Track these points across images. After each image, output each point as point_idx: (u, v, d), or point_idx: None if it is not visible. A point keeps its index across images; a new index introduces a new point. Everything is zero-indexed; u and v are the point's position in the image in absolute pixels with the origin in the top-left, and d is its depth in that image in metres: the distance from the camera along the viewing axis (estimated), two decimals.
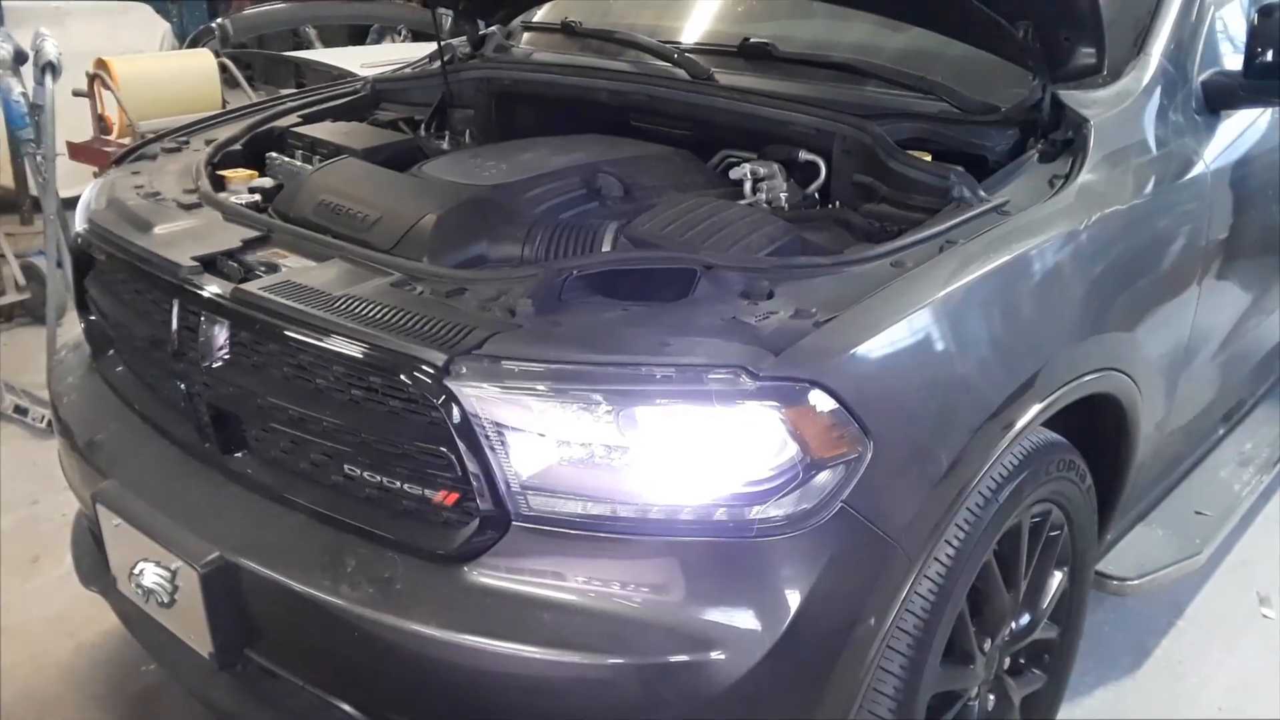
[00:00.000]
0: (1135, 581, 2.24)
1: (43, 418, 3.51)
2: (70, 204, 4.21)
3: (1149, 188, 1.98)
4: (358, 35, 7.25)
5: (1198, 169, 2.10)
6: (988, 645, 1.82)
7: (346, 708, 1.59)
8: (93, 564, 2.10)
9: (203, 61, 4.96)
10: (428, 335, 1.46)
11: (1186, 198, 2.08)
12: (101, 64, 4.57)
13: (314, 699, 1.63)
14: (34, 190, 4.45)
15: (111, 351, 2.08)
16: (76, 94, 4.57)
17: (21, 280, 4.43)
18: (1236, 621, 2.62)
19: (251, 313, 1.61)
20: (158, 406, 1.89)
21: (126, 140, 4.57)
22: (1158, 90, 2.06)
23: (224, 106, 4.57)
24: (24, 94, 3.67)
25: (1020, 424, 1.65)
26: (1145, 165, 2.00)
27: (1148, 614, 2.62)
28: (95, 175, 4.77)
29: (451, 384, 1.42)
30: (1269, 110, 2.34)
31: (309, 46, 6.72)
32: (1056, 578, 1.99)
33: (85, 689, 2.38)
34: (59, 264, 3.85)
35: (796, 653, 1.42)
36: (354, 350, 1.50)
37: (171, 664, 1.88)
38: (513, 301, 1.51)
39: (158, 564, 1.68)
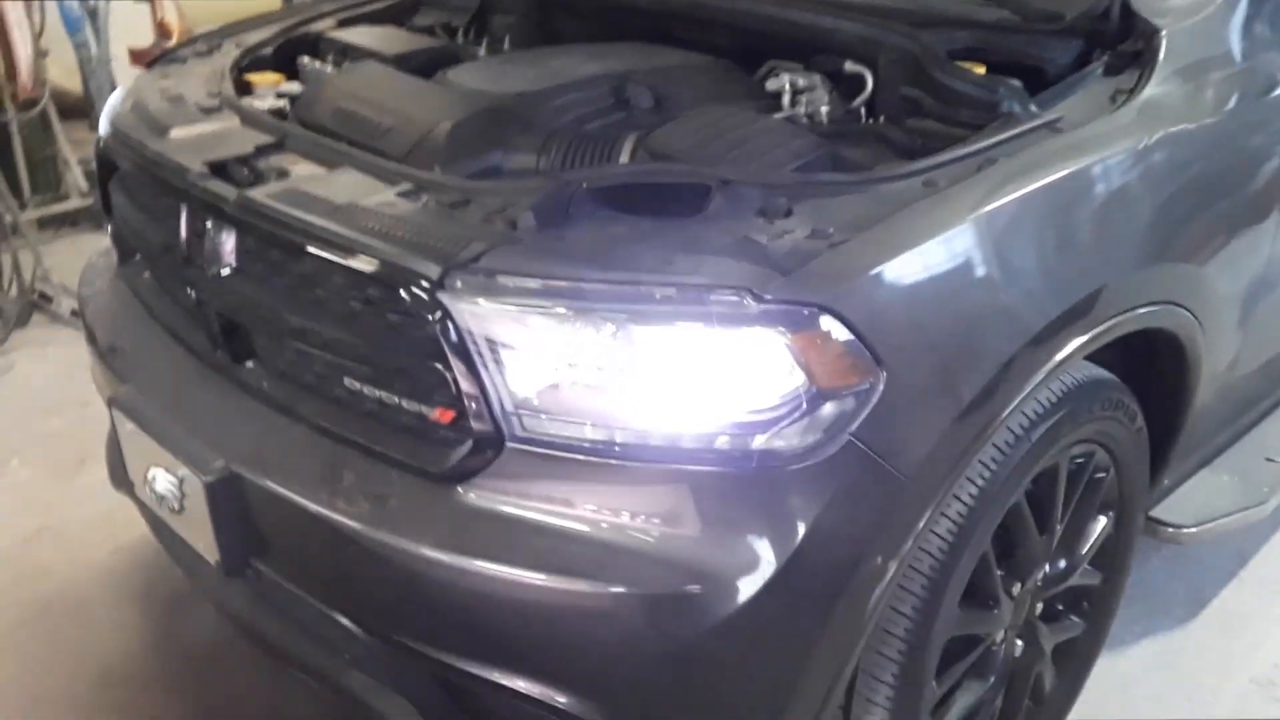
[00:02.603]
0: (1192, 530, 2.11)
1: None
2: None
3: (1226, 105, 1.82)
4: None
5: None
6: (1017, 589, 1.73)
7: (344, 621, 1.57)
8: (118, 469, 2.12)
9: None
10: (425, 247, 1.40)
11: (1269, 117, 1.90)
12: None
13: (310, 611, 1.62)
14: (92, 94, 4.49)
15: (137, 257, 2.06)
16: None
17: (84, 186, 4.48)
18: None
19: (254, 220, 1.57)
20: (175, 314, 1.87)
21: None
22: None
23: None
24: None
25: (1057, 358, 1.53)
26: (1224, 80, 1.82)
27: (1209, 563, 2.48)
28: None
29: (446, 298, 1.36)
30: None
31: None
32: (1100, 522, 1.88)
33: (121, 589, 2.43)
34: None
35: (796, 587, 1.35)
36: (352, 261, 1.45)
37: (188, 568, 1.89)
38: (516, 214, 1.44)
39: (167, 470, 1.67)
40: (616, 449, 1.38)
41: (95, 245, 4.13)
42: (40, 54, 4.16)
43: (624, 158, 1.68)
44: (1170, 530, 2.11)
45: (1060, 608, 1.92)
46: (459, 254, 1.38)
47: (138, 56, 4.56)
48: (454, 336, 1.37)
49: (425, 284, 1.37)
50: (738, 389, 1.33)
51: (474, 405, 1.40)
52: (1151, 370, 1.87)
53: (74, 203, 4.47)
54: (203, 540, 1.67)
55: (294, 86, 2.14)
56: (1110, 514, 1.89)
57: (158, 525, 1.94)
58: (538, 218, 1.42)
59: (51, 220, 4.32)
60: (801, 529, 1.34)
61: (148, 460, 1.72)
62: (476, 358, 1.37)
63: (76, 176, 4.47)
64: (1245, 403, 2.30)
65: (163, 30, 4.63)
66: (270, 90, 2.12)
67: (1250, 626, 2.33)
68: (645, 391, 1.35)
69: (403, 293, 1.40)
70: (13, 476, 2.84)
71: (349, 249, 1.45)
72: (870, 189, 1.46)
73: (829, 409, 1.33)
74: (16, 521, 2.64)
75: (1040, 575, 1.78)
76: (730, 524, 1.35)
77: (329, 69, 2.24)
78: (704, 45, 2.18)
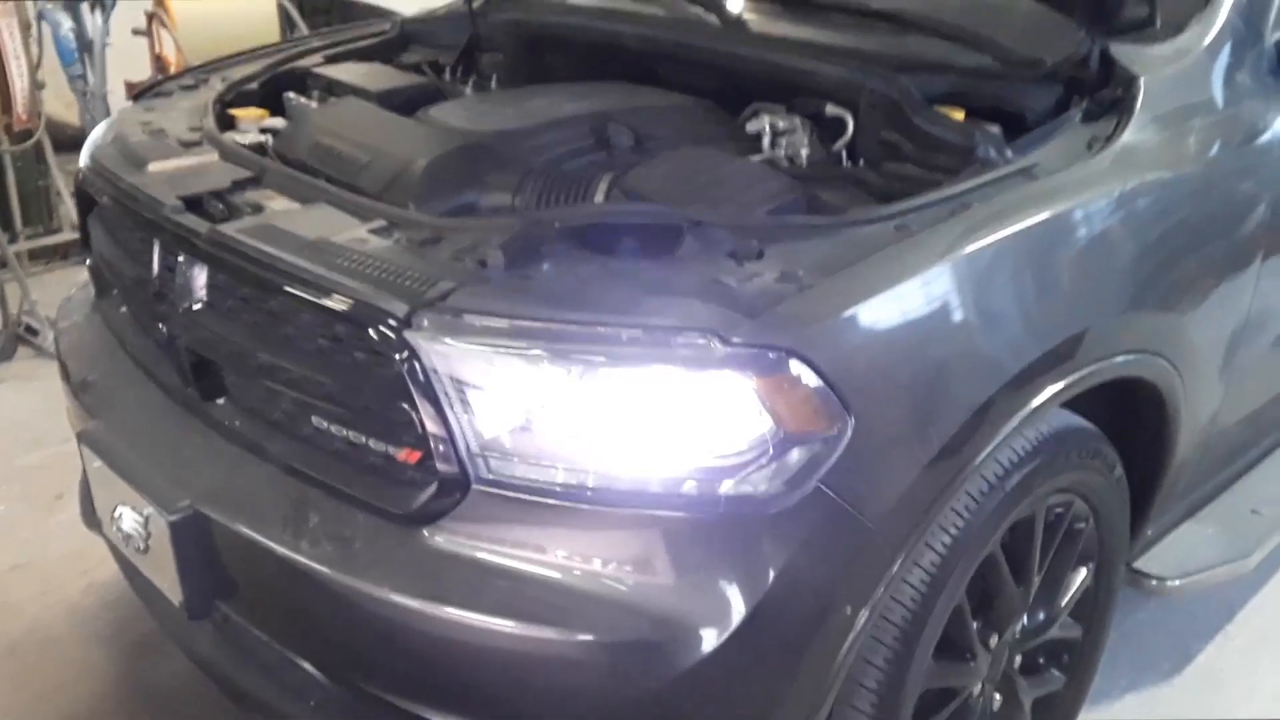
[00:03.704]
0: (1176, 582, 2.07)
1: None
2: None
3: (1206, 153, 1.81)
4: None
5: (1266, 136, 1.91)
6: (994, 641, 1.70)
7: (307, 666, 1.54)
8: (90, 505, 2.10)
9: (260, 3, 4.94)
10: (393, 285, 1.39)
11: (1250, 166, 1.89)
12: (159, 3, 4.58)
13: (273, 656, 1.59)
14: (86, 126, 4.50)
15: (115, 292, 2.05)
16: (136, 33, 4.58)
17: (76, 219, 4.47)
18: None
19: (224, 255, 1.55)
20: (147, 349, 1.86)
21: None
22: (1224, 48, 1.87)
23: None
24: (74, 29, 3.67)
25: (1031, 405, 1.51)
26: (1204, 129, 1.82)
27: (1195, 617, 2.44)
28: None
29: (412, 336, 1.35)
30: None
31: None
32: (1080, 574, 1.85)
33: (90, 628, 2.39)
34: None
35: (763, 637, 1.33)
36: (320, 298, 1.44)
37: (154, 608, 1.86)
38: (485, 253, 1.43)
39: (133, 508, 1.64)
40: (584, 493, 1.36)
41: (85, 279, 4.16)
42: (37, 85, 4.18)
43: (599, 197, 1.67)
44: (1154, 582, 2.08)
45: (1040, 660, 1.88)
46: (426, 292, 1.36)
47: (134, 90, 4.59)
48: (420, 376, 1.35)
49: (392, 322, 1.36)
50: (705, 433, 1.31)
51: (440, 446, 1.38)
52: (1131, 420, 1.85)
53: (66, 235, 4.45)
54: (167, 581, 1.64)
55: (278, 122, 2.14)
56: (1090, 565, 1.86)
57: (126, 564, 1.91)
58: (507, 256, 1.40)
59: (43, 252, 4.32)
60: (769, 576, 1.31)
61: (115, 498, 1.69)
62: (443, 398, 1.35)
63: (69, 209, 4.47)
64: (1229, 454, 2.27)
65: (161, 64, 4.65)
66: (253, 125, 2.11)
67: (1237, 681, 2.29)
68: (612, 434, 1.33)
69: (370, 331, 1.38)
70: None
71: (317, 286, 1.44)
72: (842, 232, 1.44)
73: (796, 455, 1.31)
74: None
75: (1018, 627, 1.75)
76: (697, 571, 1.32)
77: (312, 104, 2.24)
78: (688, 86, 2.18)
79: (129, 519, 1.67)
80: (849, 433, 1.32)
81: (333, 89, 2.29)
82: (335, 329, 1.45)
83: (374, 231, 1.54)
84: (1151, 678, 2.27)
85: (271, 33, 4.92)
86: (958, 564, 1.49)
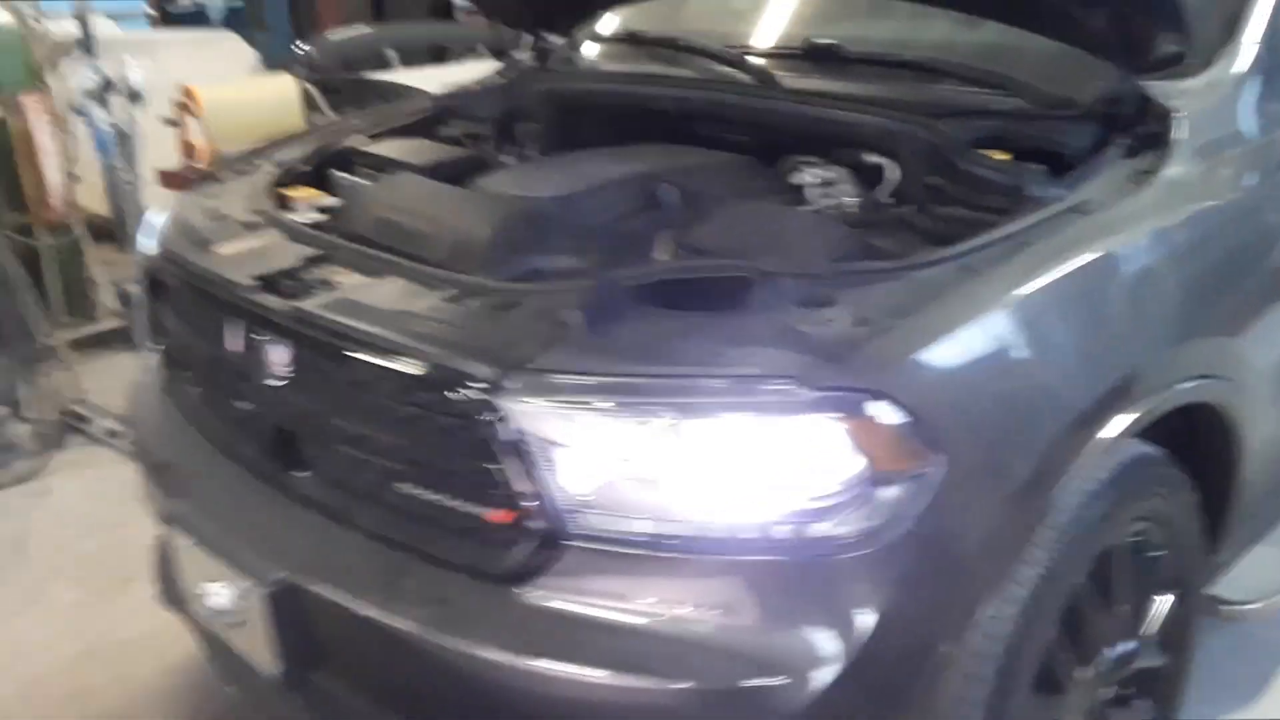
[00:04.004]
0: (1253, 605, 2.08)
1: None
2: None
3: (1246, 181, 1.86)
4: (438, 55, 7.33)
5: None
6: (1084, 674, 1.71)
7: None
8: (170, 585, 2.13)
9: (285, 86, 5.06)
10: (478, 349, 1.43)
11: None
12: (187, 91, 4.70)
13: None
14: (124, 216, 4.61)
15: (181, 376, 2.10)
16: (167, 122, 4.70)
17: (116, 307, 4.56)
18: None
19: (306, 330, 1.60)
20: (224, 428, 1.90)
21: (210, 167, 4.70)
22: (1255, 78, 1.93)
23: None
24: (113, 123, 3.77)
25: (1107, 435, 1.54)
26: (1241, 158, 1.87)
27: (1270, 641, 2.44)
28: None
29: (502, 399, 1.39)
30: None
31: (386, 68, 6.82)
32: (1161, 601, 1.86)
33: (168, 709, 2.41)
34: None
35: (868, 678, 1.34)
36: (404, 366, 1.48)
37: (243, 684, 1.88)
38: (564, 314, 1.47)
39: (226, 584, 1.68)
40: (676, 542, 1.39)
41: (127, 366, 4.22)
42: (72, 179, 4.29)
43: (662, 255, 1.72)
44: (1230, 608, 2.08)
45: (1129, 692, 1.88)
46: (512, 355, 1.41)
47: (167, 178, 4.70)
48: (510, 437, 1.39)
49: (480, 386, 1.40)
50: (796, 477, 1.34)
51: (531, 505, 1.41)
52: (1196, 446, 1.87)
53: (106, 324, 4.55)
54: (262, 653, 1.66)
55: (330, 200, 2.20)
56: (1170, 592, 1.87)
57: (210, 642, 1.94)
58: (586, 317, 1.45)
59: (83, 342, 4.39)
60: (869, 617, 1.34)
61: (203, 574, 1.73)
62: (533, 457, 1.39)
63: (108, 298, 4.56)
64: None
65: (189, 151, 4.77)
66: (308, 204, 2.17)
67: None
68: (703, 484, 1.36)
69: (457, 395, 1.42)
70: (56, 599, 2.83)
71: (401, 354, 1.49)
72: (908, 276, 1.49)
73: (889, 493, 1.34)
74: (61, 644, 2.63)
75: (1106, 658, 1.76)
76: (798, 614, 1.35)
77: (362, 182, 2.30)
78: (725, 143, 2.24)
79: (220, 595, 1.70)
80: (941, 468, 1.35)
81: (380, 166, 2.35)
82: (421, 396, 1.49)
83: (448, 300, 1.58)
84: (1234, 704, 2.27)
85: (294, 115, 5.03)
86: (1048, 596, 1.51)
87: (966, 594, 1.41)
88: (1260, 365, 1.89)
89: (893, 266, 1.51)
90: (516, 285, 1.62)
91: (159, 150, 4.52)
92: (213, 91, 4.71)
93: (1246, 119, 1.91)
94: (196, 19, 8.49)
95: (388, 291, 1.65)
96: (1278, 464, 2.06)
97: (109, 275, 4.71)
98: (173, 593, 2.12)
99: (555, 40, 2.82)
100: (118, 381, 4.10)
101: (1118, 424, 1.56)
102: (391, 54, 6.50)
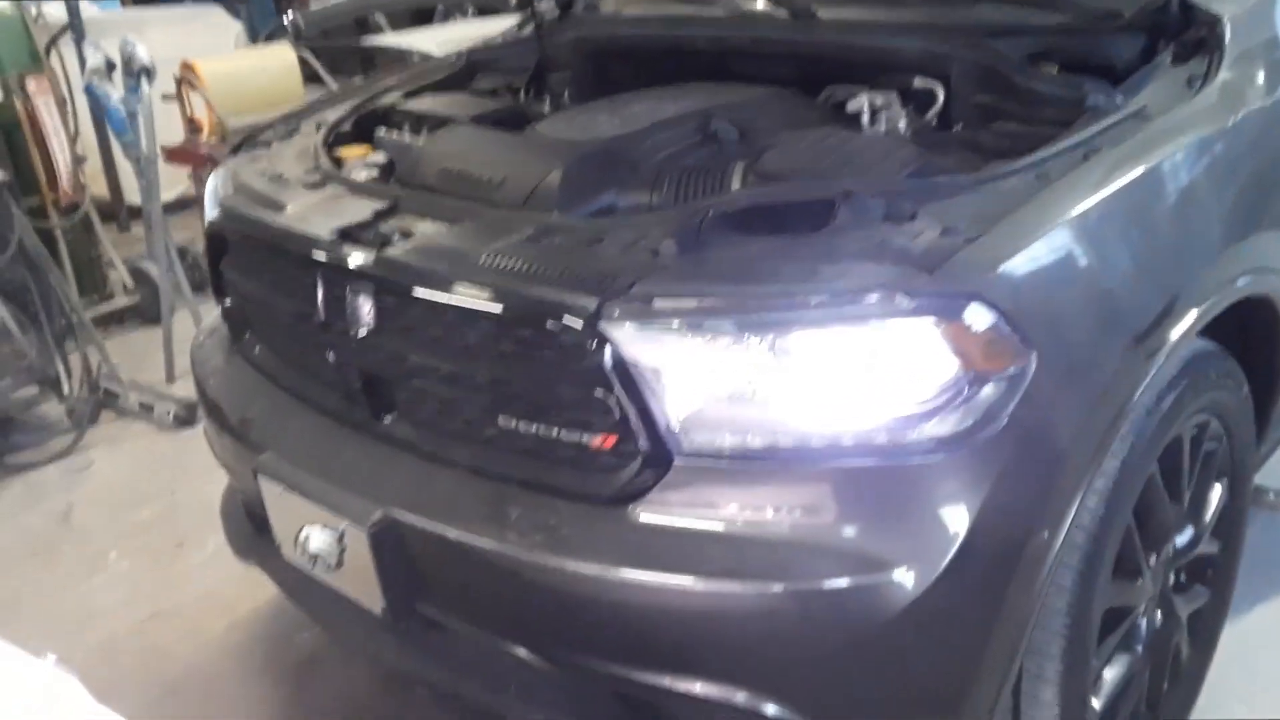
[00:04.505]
0: None
1: (169, 412, 3.62)
2: (169, 207, 4.36)
3: None
4: (421, 18, 7.29)
5: None
6: (1153, 560, 1.79)
7: (520, 651, 1.62)
8: (248, 538, 2.18)
9: (283, 56, 5.04)
10: (576, 282, 1.48)
11: None
12: (187, 66, 4.67)
13: (484, 647, 1.66)
14: (131, 197, 4.60)
15: (249, 333, 2.13)
16: (166, 98, 4.67)
17: (130, 284, 4.57)
18: None
19: (399, 277, 1.64)
20: (304, 379, 1.94)
21: (216, 140, 4.68)
22: None
23: (304, 100, 4.65)
24: (122, 99, 3.76)
25: (1177, 332, 1.60)
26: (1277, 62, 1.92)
27: None
28: (190, 177, 4.91)
29: (605, 326, 1.43)
30: None
31: (376, 33, 6.78)
32: (1216, 490, 1.94)
33: (246, 662, 2.46)
34: (169, 266, 3.98)
35: (969, 572, 1.41)
36: (504, 303, 1.53)
37: (338, 625, 1.94)
38: (654, 244, 1.52)
39: (324, 527, 1.72)
40: (780, 454, 1.44)
41: (145, 340, 4.25)
42: (78, 159, 4.28)
43: (736, 184, 1.76)
44: (1274, 497, 2.16)
45: (1187, 578, 1.97)
46: (612, 284, 1.45)
47: (173, 154, 4.68)
48: (615, 363, 1.44)
49: (583, 316, 1.44)
50: (898, 383, 1.40)
51: (639, 427, 1.46)
52: (1246, 340, 1.93)
53: (120, 301, 4.56)
54: (365, 591, 1.72)
55: (379, 156, 2.23)
56: (1225, 481, 1.95)
57: (299, 588, 1.99)
58: (679, 244, 1.49)
59: (100, 320, 4.39)
60: (971, 511, 1.39)
61: (299, 520, 1.77)
62: (640, 382, 1.44)
63: (122, 274, 4.57)
64: None
65: (194, 126, 4.75)
66: (359, 162, 2.20)
67: None
68: (806, 397, 1.42)
69: (559, 328, 1.47)
70: (114, 569, 2.88)
71: (500, 293, 1.53)
72: (986, 187, 1.54)
73: (986, 392, 1.39)
74: (127, 610, 2.68)
75: (1172, 546, 1.84)
76: (902, 513, 1.41)
77: (407, 138, 2.33)
78: (761, 78, 2.28)
79: (318, 538, 1.74)
80: (1032, 366, 1.41)
81: (422, 120, 2.37)
82: (521, 331, 1.53)
83: (530, 239, 1.62)
84: (1276, 589, 2.36)
85: (294, 84, 5.01)
86: (1128, 486, 1.58)
87: (1058, 485, 1.47)
88: None
89: (971, 179, 1.56)
90: (598, 220, 1.66)
91: (158, 127, 4.49)
92: (212, 64, 4.69)
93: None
94: None
95: (468, 235, 1.68)
96: None
97: (117, 253, 4.72)
98: (250, 545, 2.18)
99: None
100: (136, 356, 4.15)
101: (1186, 320, 1.62)
102: (380, 19, 6.48)
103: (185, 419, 3.59)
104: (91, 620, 2.66)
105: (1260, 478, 2.20)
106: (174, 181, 4.87)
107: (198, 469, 3.19)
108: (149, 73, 3.76)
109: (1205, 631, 2.04)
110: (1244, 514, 2.05)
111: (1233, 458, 1.94)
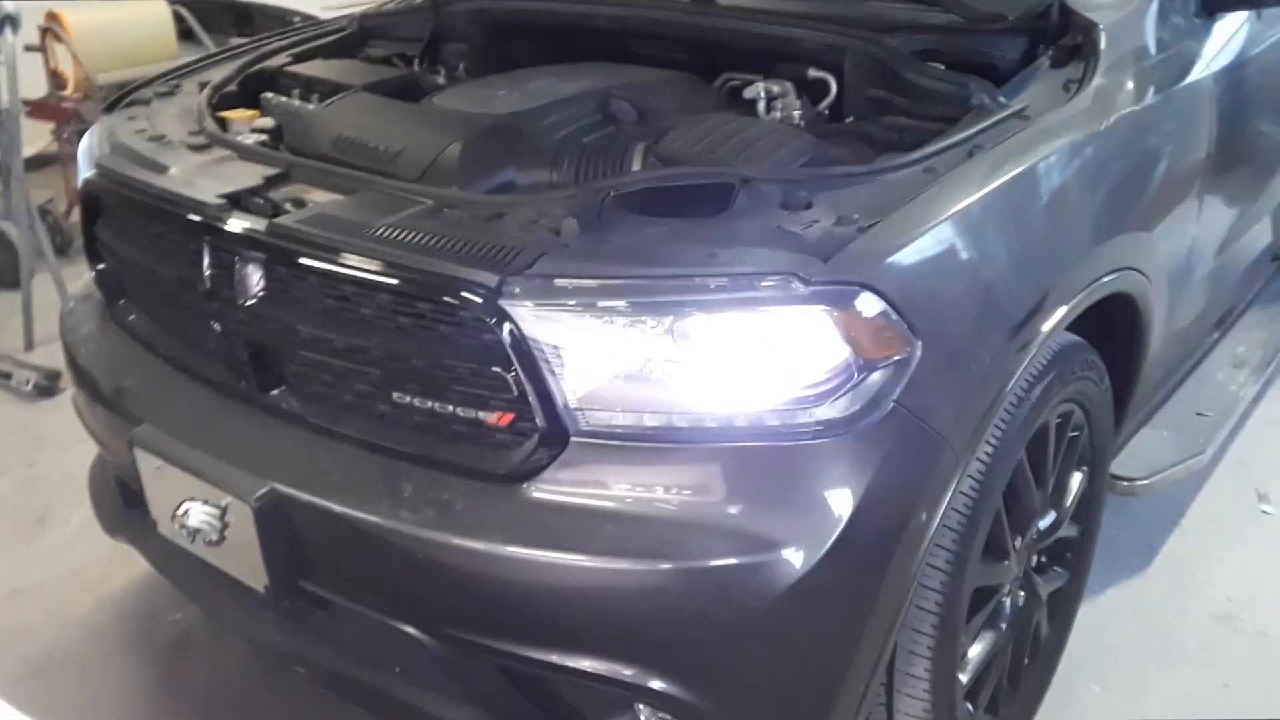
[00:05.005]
0: (1145, 481, 2.31)
1: (28, 381, 3.45)
2: (30, 164, 4.13)
3: (1157, 90, 2.02)
4: None
5: (1198, 72, 2.14)
6: (1019, 543, 1.88)
7: (407, 628, 1.61)
8: (118, 513, 2.10)
9: (157, 11, 4.83)
10: (476, 257, 1.47)
11: (1191, 100, 2.12)
12: (53, 16, 4.44)
13: (370, 624, 1.65)
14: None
15: (124, 300, 2.05)
16: (29, 49, 4.43)
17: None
18: (1238, 519, 2.72)
19: (292, 246, 1.60)
20: (184, 349, 1.88)
21: (81, 96, 4.46)
22: None
23: (178, 57, 4.46)
24: None
25: (1050, 324, 1.69)
26: (1153, 68, 2.03)
27: (1151, 515, 2.69)
28: (52, 133, 4.68)
29: (505, 304, 1.43)
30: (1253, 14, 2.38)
31: None
32: (1077, 477, 2.05)
33: (112, 642, 2.38)
34: (30, 226, 3.78)
35: (853, 550, 1.46)
36: (402, 277, 1.51)
37: (216, 605, 1.89)
38: (555, 222, 1.52)
39: (205, 502, 1.68)
40: (674, 434, 1.46)
41: (2, 305, 4.02)
42: None
43: (636, 165, 1.77)
44: (1127, 484, 2.30)
45: (1047, 560, 2.08)
46: (512, 261, 1.45)
47: (36, 108, 4.45)
48: (514, 341, 1.44)
49: (483, 292, 1.43)
50: (788, 367, 1.43)
51: (536, 406, 1.46)
52: (1107, 334, 2.04)
53: None
54: (247, 568, 1.68)
55: (268, 121, 2.16)
56: (1085, 469, 2.07)
57: (173, 565, 1.93)
58: (580, 223, 1.50)
59: None
60: (855, 493, 1.44)
61: (179, 495, 1.72)
62: (538, 359, 1.44)
63: None
64: (1174, 364, 2.52)
65: (58, 80, 4.52)
66: (246, 125, 2.13)
67: (1199, 567, 2.55)
68: (701, 378, 1.44)
69: (458, 302, 1.46)
70: None
71: (397, 266, 1.51)
72: (878, 178, 1.59)
73: (874, 378, 1.44)
74: None
75: (1035, 529, 1.93)
76: (790, 494, 1.45)
77: (296, 103, 2.26)
78: (659, 61, 2.29)
79: (198, 513, 1.69)
80: (918, 354, 1.46)
81: (312, 86, 2.31)
82: (418, 306, 1.52)
83: (428, 213, 1.60)
84: (1126, 571, 2.52)
85: (168, 40, 4.82)
86: (999, 471, 1.66)
87: (937, 470, 1.53)
88: (1162, 257, 2.08)
89: (865, 170, 1.60)
90: (499, 196, 1.65)
91: (21, 80, 4.26)
92: (81, 15, 4.47)
93: (1150, 34, 2.07)
94: None
95: (364, 206, 1.65)
96: (1170, 350, 2.28)
97: None
98: (120, 520, 2.10)
99: None
100: None
101: (1057, 314, 1.71)
102: None
103: (46, 388, 3.43)
104: None
105: (1119, 466, 2.33)
106: (35, 137, 4.63)
107: (60, 441, 3.07)
108: (13, 21, 3.56)
109: (1063, 611, 2.16)
110: (1101, 500, 2.17)
111: (1093, 446, 2.05)
